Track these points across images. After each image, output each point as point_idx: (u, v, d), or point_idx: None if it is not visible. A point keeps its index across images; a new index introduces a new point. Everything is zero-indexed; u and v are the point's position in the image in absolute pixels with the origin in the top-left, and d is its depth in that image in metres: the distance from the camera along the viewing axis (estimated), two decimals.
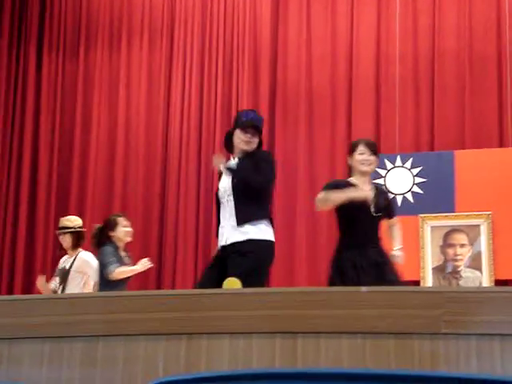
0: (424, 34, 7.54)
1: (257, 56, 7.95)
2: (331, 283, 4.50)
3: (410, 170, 7.01)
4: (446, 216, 6.77)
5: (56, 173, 8.20)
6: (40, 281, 6.10)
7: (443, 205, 6.81)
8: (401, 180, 6.98)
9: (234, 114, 7.82)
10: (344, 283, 4.36)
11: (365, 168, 4.57)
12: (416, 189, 6.95)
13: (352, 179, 4.62)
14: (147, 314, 3.32)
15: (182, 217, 7.76)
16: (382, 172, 6.97)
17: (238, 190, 4.40)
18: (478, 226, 6.77)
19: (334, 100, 7.70)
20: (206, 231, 7.61)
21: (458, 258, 6.80)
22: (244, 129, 4.47)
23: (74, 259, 6.04)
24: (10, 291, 7.82)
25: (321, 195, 4.50)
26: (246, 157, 4.46)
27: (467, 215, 6.76)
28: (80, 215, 7.80)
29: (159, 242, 7.81)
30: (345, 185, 4.54)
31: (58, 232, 6.22)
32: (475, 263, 6.72)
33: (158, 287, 7.52)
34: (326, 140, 7.64)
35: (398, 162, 7.06)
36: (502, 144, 7.15)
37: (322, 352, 3.31)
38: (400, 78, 7.41)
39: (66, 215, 7.98)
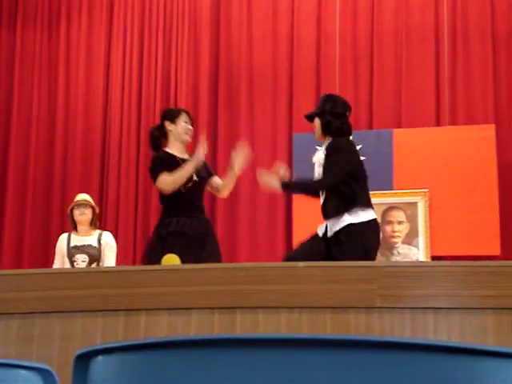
0: (363, 13, 7.60)
1: (197, 34, 7.90)
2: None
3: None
4: (384, 193, 6.87)
5: None
6: None
7: (381, 183, 6.90)
8: None
9: (173, 92, 7.80)
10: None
11: (187, 137, 4.70)
12: None
13: (170, 149, 4.68)
14: (84, 290, 3.30)
15: (123, 196, 7.71)
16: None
17: None
18: (416, 203, 6.89)
19: (275, 79, 7.72)
20: (145, 209, 7.61)
21: (396, 234, 6.91)
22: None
23: (100, 237, 5.88)
24: None
25: (167, 180, 4.52)
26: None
27: (405, 193, 6.88)
28: (20, 195, 7.70)
29: (99, 220, 7.74)
30: (175, 161, 4.60)
31: (78, 203, 5.93)
32: (412, 240, 6.85)
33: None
34: (267, 119, 7.66)
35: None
36: (438, 123, 7.28)
37: (260, 327, 3.35)
38: (340, 57, 7.46)
39: (5, 195, 7.88)
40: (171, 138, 4.72)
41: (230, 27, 7.88)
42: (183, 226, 4.52)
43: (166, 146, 4.75)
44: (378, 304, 3.50)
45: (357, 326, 3.45)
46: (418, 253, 6.78)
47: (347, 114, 4.55)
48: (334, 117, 4.48)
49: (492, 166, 6.83)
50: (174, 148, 4.72)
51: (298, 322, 3.45)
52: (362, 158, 6.95)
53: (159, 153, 4.70)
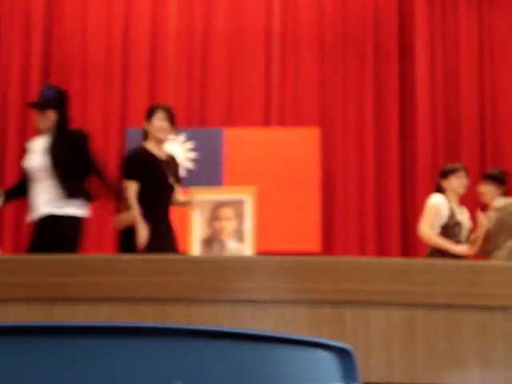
0: (199, 12, 7.68)
1: (30, 26, 7.65)
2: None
3: (181, 144, 7.17)
4: (214, 190, 7.00)
5: None
6: None
7: (212, 180, 7.04)
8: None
9: (3, 85, 7.52)
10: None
11: (161, 135, 4.65)
12: (187, 163, 7.13)
13: (149, 146, 4.66)
14: None
15: None
16: None
17: None
18: (243, 201, 7.06)
19: (109, 74, 7.62)
20: None
21: (224, 231, 7.05)
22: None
23: None
24: None
25: (129, 192, 4.51)
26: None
27: (233, 190, 7.04)
28: None
29: None
30: (152, 158, 4.58)
31: None
32: (239, 236, 7.02)
33: None
34: (99, 114, 7.55)
35: (171, 136, 7.18)
36: (267, 123, 7.51)
37: (79, 319, 3.33)
38: (174, 54, 7.52)
39: None
40: (150, 136, 4.66)
41: (63, 19, 7.71)
42: None
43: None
44: (199, 297, 3.58)
45: (177, 319, 3.50)
46: (245, 249, 6.96)
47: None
48: None
49: (316, 167, 7.14)
50: (151, 145, 4.65)
51: (119, 315, 3.46)
52: (194, 155, 7.08)
53: (137, 149, 4.66)
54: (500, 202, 5.22)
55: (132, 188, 4.49)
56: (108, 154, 7.41)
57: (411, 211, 7.20)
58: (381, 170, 7.38)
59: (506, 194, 5.35)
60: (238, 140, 7.22)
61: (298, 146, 7.14)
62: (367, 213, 7.31)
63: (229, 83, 7.58)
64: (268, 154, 7.14)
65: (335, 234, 7.32)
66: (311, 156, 7.14)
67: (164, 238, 4.52)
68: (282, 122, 7.48)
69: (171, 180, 4.65)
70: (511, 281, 3.45)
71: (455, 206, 5.27)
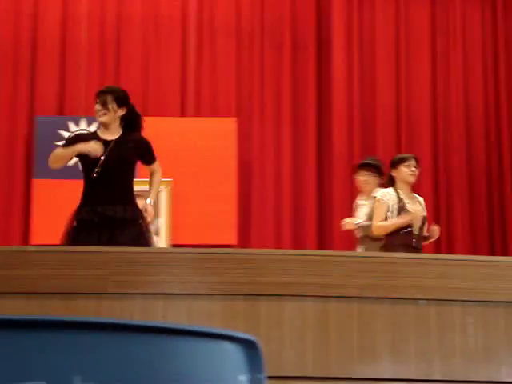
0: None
1: None
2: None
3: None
4: None
5: None
6: None
7: None
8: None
9: None
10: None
11: (98, 118, 4.50)
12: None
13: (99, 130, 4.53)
14: None
15: None
16: (66, 135, 6.86)
17: None
18: (159, 192, 6.95)
19: (17, 59, 7.34)
20: None
21: None
22: None
23: None
24: None
25: (51, 156, 4.34)
26: None
27: (147, 181, 6.90)
28: None
29: None
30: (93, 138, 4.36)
31: None
32: (155, 228, 6.91)
33: None
34: (6, 101, 7.29)
35: (83, 124, 7.01)
36: (183, 113, 7.41)
37: None
38: (87, 40, 7.33)
39: None
40: None
41: None
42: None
43: None
44: (109, 290, 3.50)
45: (87, 313, 3.42)
46: (160, 241, 6.85)
47: None
48: None
49: (232, 158, 7.09)
50: (99, 129, 4.54)
51: (24, 308, 3.35)
52: None
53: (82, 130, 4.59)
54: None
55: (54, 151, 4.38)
56: (16, 142, 7.20)
57: (327, 203, 7.24)
58: (298, 162, 7.39)
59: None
60: (152, 129, 7.04)
61: (215, 137, 7.07)
62: (284, 205, 7.31)
63: (143, 71, 7.44)
64: (184, 145, 7.04)
65: (252, 227, 7.29)
66: (228, 147, 7.08)
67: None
68: (198, 112, 7.40)
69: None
70: (423, 273, 3.48)
71: (405, 196, 5.20)
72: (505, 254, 7.11)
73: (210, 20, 7.55)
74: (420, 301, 3.42)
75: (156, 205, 6.89)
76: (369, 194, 5.40)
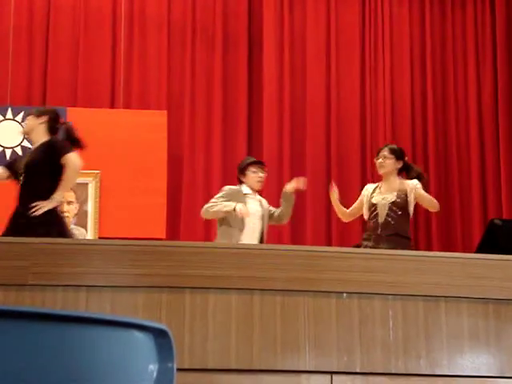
0: None
1: None
2: None
3: (20, 123, 6.86)
4: None
5: None
6: None
7: None
8: (11, 133, 6.81)
9: None
10: None
11: None
12: (26, 143, 6.83)
13: None
14: None
15: None
16: None
17: None
18: (87, 184, 6.86)
19: None
20: None
21: (65, 214, 6.82)
22: None
23: None
24: None
25: None
26: None
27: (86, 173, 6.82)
28: None
29: None
30: None
31: None
32: (82, 221, 6.81)
33: None
34: None
35: (9, 114, 6.87)
36: (112, 105, 7.33)
37: None
38: (14, 28, 7.18)
39: None
40: None
41: None
42: None
43: None
44: (29, 282, 3.43)
45: (6, 303, 3.34)
46: (87, 234, 6.76)
47: None
48: None
49: (162, 152, 7.04)
50: None
51: None
52: None
53: None
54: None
55: None
56: None
57: None
58: (228, 156, 7.39)
59: None
60: (81, 121, 6.95)
61: (145, 130, 7.01)
62: None
63: (73, 62, 7.33)
64: (113, 137, 6.96)
65: (181, 221, 7.26)
66: (158, 140, 7.03)
67: None
68: (128, 105, 7.33)
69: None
70: (346, 266, 3.51)
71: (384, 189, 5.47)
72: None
73: (141, 11, 7.49)
74: (343, 294, 3.45)
75: (83, 196, 6.80)
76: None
